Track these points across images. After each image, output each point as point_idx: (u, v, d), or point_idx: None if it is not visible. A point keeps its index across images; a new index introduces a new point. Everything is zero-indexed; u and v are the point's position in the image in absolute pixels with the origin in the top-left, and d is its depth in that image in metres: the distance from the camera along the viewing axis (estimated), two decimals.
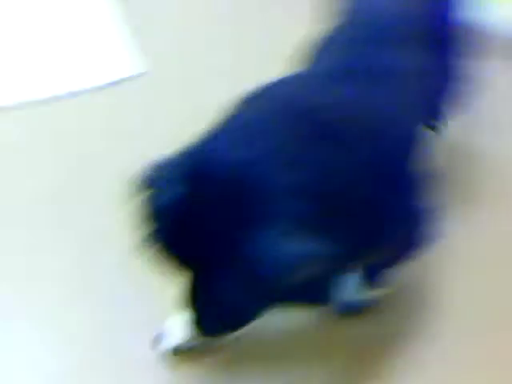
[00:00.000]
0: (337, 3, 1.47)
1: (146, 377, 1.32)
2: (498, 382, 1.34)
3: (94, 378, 1.32)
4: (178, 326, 1.29)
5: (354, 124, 1.16)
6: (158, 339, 1.33)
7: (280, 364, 1.34)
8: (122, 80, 2.02)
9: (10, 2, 2.23)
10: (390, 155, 1.18)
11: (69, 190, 1.66)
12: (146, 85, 1.99)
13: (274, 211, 1.02)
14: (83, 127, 1.86)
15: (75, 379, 1.32)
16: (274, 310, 1.11)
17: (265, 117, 1.12)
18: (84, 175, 1.69)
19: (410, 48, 1.33)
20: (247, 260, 1.00)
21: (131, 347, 1.35)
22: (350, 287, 1.36)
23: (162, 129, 1.78)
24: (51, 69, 2.05)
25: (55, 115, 1.89)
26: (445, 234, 1.33)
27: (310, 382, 1.32)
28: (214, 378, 1.32)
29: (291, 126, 1.10)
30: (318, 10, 1.54)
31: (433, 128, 1.54)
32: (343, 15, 1.42)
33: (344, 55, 1.31)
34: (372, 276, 1.35)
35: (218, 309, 1.08)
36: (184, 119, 1.69)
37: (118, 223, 1.35)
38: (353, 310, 1.38)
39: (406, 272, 1.37)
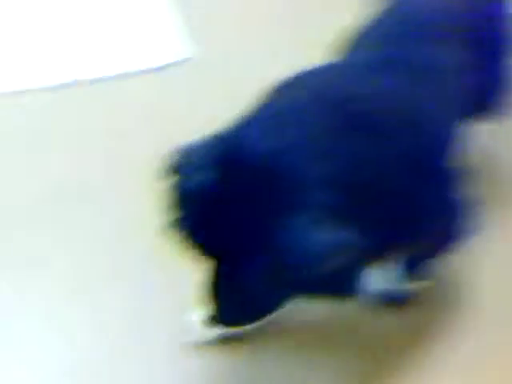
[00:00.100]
0: None
1: (175, 365, 1.30)
2: None
3: (125, 366, 1.31)
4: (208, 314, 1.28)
5: (390, 115, 1.13)
6: (187, 327, 1.31)
7: (302, 354, 1.32)
8: (169, 65, 2.01)
9: None
10: (426, 149, 1.16)
11: (104, 175, 1.65)
12: (191, 71, 1.98)
13: (304, 200, 0.99)
14: (126, 110, 1.85)
15: (106, 366, 1.31)
16: (297, 301, 1.10)
17: (298, 105, 1.10)
18: (119, 159, 1.68)
19: (451, 45, 1.30)
20: (276, 248, 0.98)
21: (161, 335, 1.34)
22: (387, 278, 1.34)
23: (205, 115, 1.74)
24: (99, 50, 2.05)
25: (100, 96, 1.89)
26: (481, 229, 1.29)
27: (336, 373, 1.30)
28: (241, 367, 1.30)
29: (325, 115, 1.08)
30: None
31: (471, 126, 1.48)
32: (385, 6, 1.39)
33: (383, 47, 1.28)
34: (411, 268, 1.33)
35: (242, 298, 1.07)
36: (227, 106, 1.66)
37: (150, 209, 1.33)
38: (392, 301, 1.36)
39: (441, 267, 1.35)
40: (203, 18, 2.14)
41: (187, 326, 1.30)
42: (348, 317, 1.35)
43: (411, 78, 1.21)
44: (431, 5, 1.36)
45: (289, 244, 0.97)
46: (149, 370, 1.30)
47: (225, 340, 1.30)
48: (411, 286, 1.37)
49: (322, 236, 0.97)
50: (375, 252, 1.12)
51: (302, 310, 1.30)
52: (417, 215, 1.13)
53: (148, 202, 1.33)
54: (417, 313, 1.38)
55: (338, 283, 1.06)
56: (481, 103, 1.43)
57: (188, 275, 1.21)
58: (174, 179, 1.05)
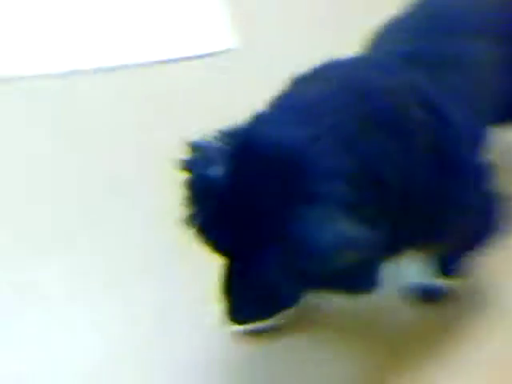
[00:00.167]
0: None
1: (202, 355, 1.30)
2: None
3: (156, 357, 1.30)
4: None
5: (418, 110, 1.10)
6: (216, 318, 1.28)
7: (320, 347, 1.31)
8: (211, 54, 2.01)
9: None
10: (454, 142, 1.12)
11: (137, 167, 1.65)
12: (233, 61, 1.97)
13: (321, 193, 0.96)
14: (165, 96, 1.85)
15: (136, 358, 1.30)
16: (313, 296, 1.08)
17: (319, 97, 1.07)
18: (153, 150, 1.67)
19: (485, 40, 1.26)
20: (290, 240, 0.96)
21: (191, 326, 1.33)
22: (423, 273, 1.32)
23: (243, 106, 1.72)
24: (144, 35, 2.06)
25: (142, 81, 1.90)
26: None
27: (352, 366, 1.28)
28: (259, 359, 1.29)
29: (348, 107, 1.05)
30: None
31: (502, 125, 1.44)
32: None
33: (412, 41, 1.25)
34: (445, 265, 1.31)
35: (255, 295, 1.05)
36: (266, 98, 1.64)
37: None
38: (429, 296, 1.34)
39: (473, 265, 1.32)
40: (249, 10, 2.12)
41: (216, 317, 1.26)
42: (367, 310, 1.33)
43: (441, 73, 1.18)
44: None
45: (303, 236, 0.95)
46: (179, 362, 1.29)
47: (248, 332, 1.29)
48: (447, 282, 1.34)
49: (337, 229, 0.95)
50: (395, 249, 1.09)
51: (319, 302, 1.30)
52: (443, 211, 1.10)
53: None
54: (439, 309, 1.35)
55: (355, 278, 1.03)
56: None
57: (218, 267, 1.20)
58: (186, 175, 1.04)
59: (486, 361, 1.28)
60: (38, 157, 1.70)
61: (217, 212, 1.02)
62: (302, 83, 1.12)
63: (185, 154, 1.05)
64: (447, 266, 1.30)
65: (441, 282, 1.33)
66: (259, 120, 1.05)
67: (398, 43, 1.26)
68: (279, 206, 0.97)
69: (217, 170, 1.01)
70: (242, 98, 1.78)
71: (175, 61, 1.98)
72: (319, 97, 1.07)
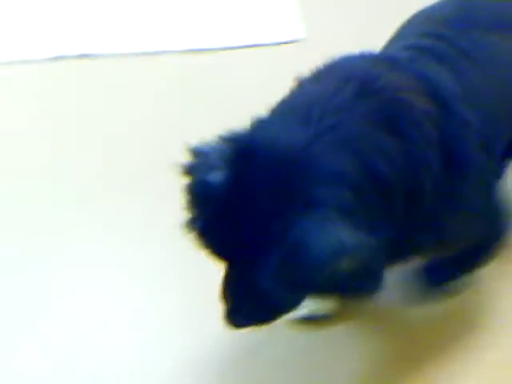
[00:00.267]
0: None
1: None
2: None
3: (176, 351, 1.32)
4: None
5: (426, 106, 1.06)
6: None
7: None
8: (280, 43, 1.99)
9: None
10: (464, 143, 1.08)
11: None
12: (300, 51, 1.94)
13: (321, 199, 0.95)
14: (230, 82, 1.86)
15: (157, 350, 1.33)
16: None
17: (322, 95, 1.04)
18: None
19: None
20: (288, 247, 0.94)
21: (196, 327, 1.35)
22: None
23: None
24: (215, 21, 2.07)
25: (208, 66, 1.92)
26: None
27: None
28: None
29: (350, 105, 1.02)
30: None
31: None
32: None
33: (436, 34, 1.19)
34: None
35: (254, 299, 1.03)
36: None
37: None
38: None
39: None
40: (319, 2, 2.09)
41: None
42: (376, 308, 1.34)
43: (459, 69, 1.14)
44: None
45: (300, 244, 0.93)
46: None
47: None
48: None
49: (335, 238, 0.93)
50: (399, 253, 1.07)
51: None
52: (448, 212, 1.08)
53: None
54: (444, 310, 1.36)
55: (357, 283, 1.00)
56: None
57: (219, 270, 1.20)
58: (187, 179, 1.03)
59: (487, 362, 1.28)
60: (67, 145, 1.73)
61: (216, 217, 1.00)
62: (306, 83, 1.10)
63: (186, 159, 1.03)
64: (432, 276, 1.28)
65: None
66: (260, 124, 1.03)
67: (420, 36, 1.21)
68: (278, 212, 0.96)
69: (217, 175, 0.99)
70: None
71: (243, 48, 1.98)
72: (321, 96, 1.04)
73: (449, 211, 1.08)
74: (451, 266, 1.28)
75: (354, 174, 0.97)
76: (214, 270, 1.06)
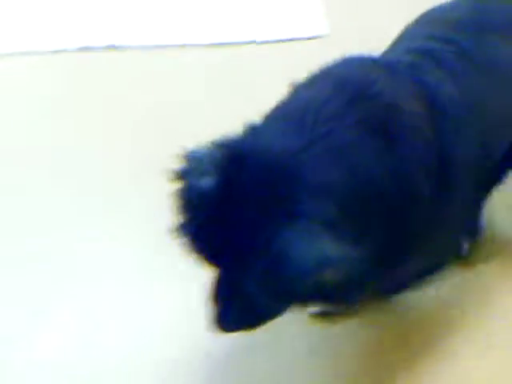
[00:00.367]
0: None
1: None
2: None
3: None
4: None
5: (420, 116, 1.06)
6: None
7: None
8: (303, 38, 2.00)
9: None
10: (448, 163, 1.08)
11: None
12: (323, 47, 1.94)
13: (307, 210, 0.95)
14: (253, 76, 1.88)
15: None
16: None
17: (315, 102, 1.04)
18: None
19: None
20: (271, 257, 0.95)
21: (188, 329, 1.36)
22: None
23: None
24: (239, 15, 2.09)
25: (232, 60, 1.94)
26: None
27: None
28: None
29: (342, 113, 1.02)
30: None
31: None
32: None
33: (442, 37, 1.18)
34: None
35: (240, 305, 1.05)
36: None
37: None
38: None
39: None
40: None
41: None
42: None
43: (463, 75, 1.13)
44: None
45: (283, 254, 0.94)
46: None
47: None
48: None
49: (318, 249, 0.94)
50: (378, 267, 1.04)
51: None
52: (435, 229, 1.08)
53: None
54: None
55: (339, 295, 1.01)
56: None
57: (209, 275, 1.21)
58: (178, 185, 1.04)
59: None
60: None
61: (206, 222, 1.01)
62: (301, 89, 1.10)
63: (178, 164, 1.05)
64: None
65: None
66: (253, 130, 1.04)
67: (428, 39, 1.20)
68: (264, 221, 0.96)
69: (208, 181, 1.00)
70: None
71: (266, 43, 1.99)
72: (314, 103, 1.04)
73: (434, 228, 1.09)
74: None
75: (342, 185, 0.97)
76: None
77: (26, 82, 1.91)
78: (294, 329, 1.33)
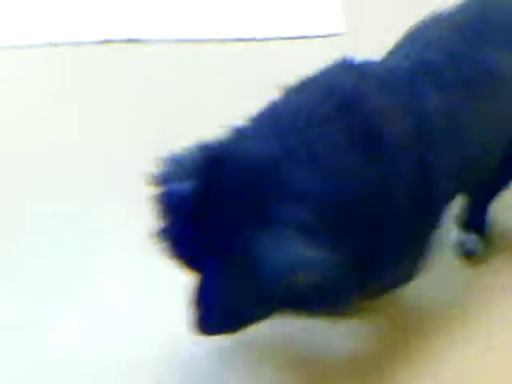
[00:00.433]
0: None
1: None
2: None
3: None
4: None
5: (398, 132, 1.05)
6: None
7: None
8: (320, 36, 2.00)
9: None
10: (434, 184, 1.08)
11: None
12: (340, 45, 1.93)
13: (283, 215, 0.97)
14: (268, 72, 1.80)
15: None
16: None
17: (302, 108, 1.05)
18: None
19: None
20: (246, 260, 0.97)
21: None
22: None
23: None
24: (256, 11, 2.09)
25: (249, 56, 1.95)
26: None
27: None
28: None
29: (327, 119, 1.02)
30: None
31: None
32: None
33: (441, 47, 1.17)
34: None
35: (220, 309, 1.05)
36: None
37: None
38: None
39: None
40: None
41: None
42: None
43: (456, 90, 1.12)
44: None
45: (257, 257, 0.95)
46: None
47: None
48: None
49: (292, 252, 0.95)
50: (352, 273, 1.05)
51: None
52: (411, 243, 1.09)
53: None
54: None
55: (316, 300, 1.02)
56: None
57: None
58: (157, 189, 1.05)
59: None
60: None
61: (185, 227, 1.02)
62: (289, 95, 1.10)
63: (158, 168, 1.06)
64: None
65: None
66: (236, 134, 1.05)
67: (428, 45, 1.18)
68: (243, 224, 0.98)
69: (187, 185, 1.01)
70: None
71: (283, 39, 2.00)
72: (300, 109, 1.04)
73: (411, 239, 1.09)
74: None
75: (320, 193, 0.98)
76: None
77: (46, 75, 1.93)
78: (293, 329, 1.33)
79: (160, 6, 2.11)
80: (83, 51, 1.98)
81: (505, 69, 1.16)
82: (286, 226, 0.96)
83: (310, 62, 1.86)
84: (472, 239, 1.41)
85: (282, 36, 1.98)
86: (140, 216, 1.44)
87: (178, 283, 1.28)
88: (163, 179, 1.05)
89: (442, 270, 1.39)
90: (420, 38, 1.22)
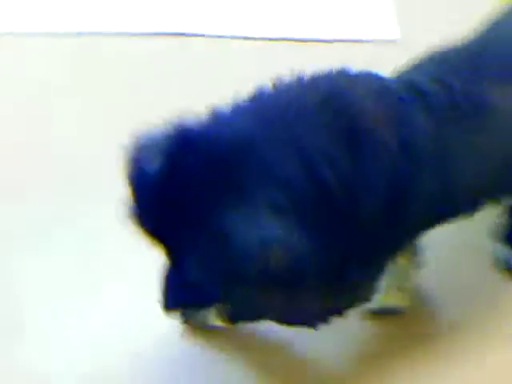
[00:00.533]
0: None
1: None
2: None
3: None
4: None
5: (389, 136, 1.04)
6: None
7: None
8: (374, 41, 1.97)
9: None
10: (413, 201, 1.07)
11: None
12: (392, 52, 1.89)
13: (256, 194, 0.96)
14: None
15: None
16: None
17: (289, 102, 1.04)
18: None
19: None
20: (215, 236, 0.95)
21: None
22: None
23: None
24: (310, 12, 2.08)
25: (301, 56, 1.90)
26: None
27: None
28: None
29: (310, 114, 1.02)
30: None
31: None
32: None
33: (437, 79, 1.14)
34: None
35: (183, 285, 1.04)
36: None
37: None
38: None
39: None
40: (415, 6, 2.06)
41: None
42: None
43: (448, 120, 1.11)
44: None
45: (228, 232, 0.94)
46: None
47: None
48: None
49: (264, 229, 0.94)
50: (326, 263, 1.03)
51: None
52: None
53: None
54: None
55: (288, 282, 0.99)
56: None
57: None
58: (128, 167, 1.04)
59: None
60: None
61: (152, 204, 1.02)
62: (281, 87, 1.09)
63: (129, 148, 1.05)
64: None
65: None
66: (214, 116, 1.03)
67: (430, 75, 1.16)
68: (211, 204, 0.96)
69: (154, 164, 1.00)
70: None
71: (336, 42, 1.97)
72: (287, 102, 1.04)
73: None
74: None
75: (296, 176, 0.97)
76: None
77: (46, 66, 1.93)
78: (292, 330, 1.29)
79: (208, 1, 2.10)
80: (84, 42, 1.98)
81: (500, 103, 1.15)
82: (261, 205, 0.95)
83: (361, 66, 1.84)
84: None
85: (336, 38, 1.96)
86: None
87: None
88: (132, 158, 1.04)
89: (480, 283, 1.40)
90: (421, 68, 1.23)
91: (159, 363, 1.29)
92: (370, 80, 1.13)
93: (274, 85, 1.08)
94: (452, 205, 1.15)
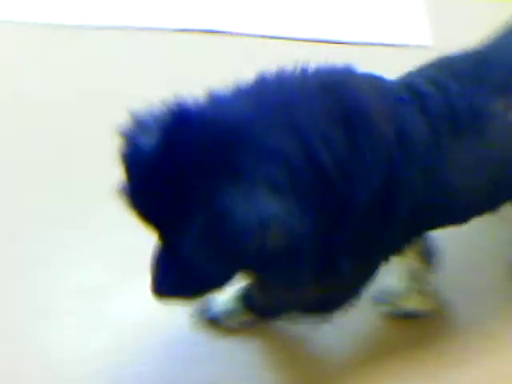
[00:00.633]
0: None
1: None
2: None
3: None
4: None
5: (381, 135, 1.03)
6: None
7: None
8: (405, 45, 1.96)
9: None
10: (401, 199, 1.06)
11: None
12: (423, 57, 1.83)
13: (253, 170, 0.93)
14: None
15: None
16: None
17: (291, 87, 1.03)
18: None
19: None
20: (213, 213, 0.92)
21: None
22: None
23: None
24: (343, 14, 2.08)
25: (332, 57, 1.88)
26: None
27: None
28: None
29: (311, 101, 1.00)
30: None
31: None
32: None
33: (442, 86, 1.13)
34: None
35: (179, 268, 1.01)
36: None
37: None
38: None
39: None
40: (446, 11, 2.07)
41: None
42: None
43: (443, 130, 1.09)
44: None
45: (226, 210, 0.91)
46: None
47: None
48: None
49: (262, 207, 0.91)
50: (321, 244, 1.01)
51: None
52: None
53: None
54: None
55: (284, 263, 0.97)
56: None
57: None
58: (122, 143, 1.00)
59: None
60: None
61: (144, 181, 0.98)
62: (283, 74, 1.06)
63: (125, 124, 1.01)
64: None
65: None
66: (211, 97, 1.00)
67: (427, 78, 1.15)
68: (205, 181, 0.93)
69: (148, 140, 0.97)
70: None
71: (368, 44, 1.97)
72: (286, 87, 1.03)
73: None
74: None
75: (294, 156, 0.95)
76: None
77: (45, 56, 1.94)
78: (293, 329, 1.31)
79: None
80: (84, 34, 1.99)
81: (501, 112, 1.13)
82: (260, 184, 0.92)
83: (391, 70, 1.80)
84: None
85: (368, 41, 1.96)
86: None
87: None
88: (126, 133, 1.00)
89: (495, 288, 1.39)
90: (423, 71, 1.21)
91: (161, 363, 1.29)
92: (371, 78, 1.12)
93: (277, 72, 1.05)
94: (442, 207, 1.13)
